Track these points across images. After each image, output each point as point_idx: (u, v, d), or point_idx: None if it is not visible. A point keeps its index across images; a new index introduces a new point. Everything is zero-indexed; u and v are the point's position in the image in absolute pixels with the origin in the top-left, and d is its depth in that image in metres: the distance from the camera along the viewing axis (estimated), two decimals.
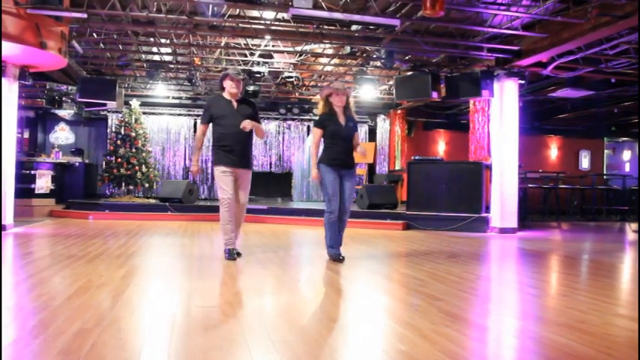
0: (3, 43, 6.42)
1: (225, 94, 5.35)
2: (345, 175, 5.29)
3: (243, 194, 5.37)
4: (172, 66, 11.27)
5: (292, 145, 15.41)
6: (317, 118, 5.48)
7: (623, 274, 5.45)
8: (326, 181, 5.20)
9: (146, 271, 4.71)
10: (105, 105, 11.63)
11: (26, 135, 14.10)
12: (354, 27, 8.25)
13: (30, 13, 6.67)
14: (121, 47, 9.87)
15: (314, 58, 10.98)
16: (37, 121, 14.67)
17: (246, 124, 5.14)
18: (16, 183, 8.01)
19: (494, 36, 8.66)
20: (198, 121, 5.68)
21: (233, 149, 5.22)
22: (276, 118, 15.20)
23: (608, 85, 11.09)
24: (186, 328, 2.80)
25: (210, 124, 5.36)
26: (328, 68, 11.54)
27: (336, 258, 5.25)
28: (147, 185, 12.72)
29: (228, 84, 5.31)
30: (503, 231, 9.00)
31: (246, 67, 10.81)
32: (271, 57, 10.56)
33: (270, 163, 15.10)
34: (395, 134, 15.02)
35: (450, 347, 2.55)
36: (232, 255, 5.24)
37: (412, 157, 11.54)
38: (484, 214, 9.25)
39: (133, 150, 12.40)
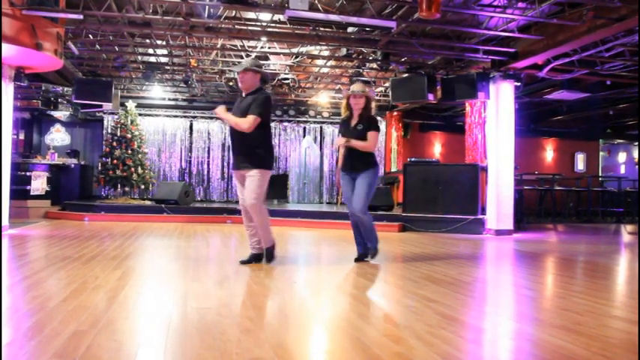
0: None
1: None
2: (356, 177, 5.23)
3: (248, 196, 4.83)
4: (168, 67, 11.27)
5: (288, 147, 15.42)
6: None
7: (619, 275, 5.47)
8: (343, 187, 5.32)
9: (142, 273, 4.69)
10: (101, 106, 11.62)
11: (21, 136, 14.06)
12: (350, 29, 8.26)
13: (25, 14, 6.65)
14: (117, 49, 9.85)
15: (310, 60, 10.99)
16: (32, 122, 14.63)
17: (218, 111, 4.92)
18: (11, 184, 7.98)
19: (490, 38, 8.69)
20: None
21: (234, 151, 4.99)
22: (272, 120, 15.18)
23: (603, 88, 11.15)
24: (182, 330, 2.79)
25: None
26: (324, 70, 11.55)
27: (356, 257, 5.42)
28: (143, 187, 12.70)
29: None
30: (499, 233, 9.02)
31: None
32: (267, 59, 10.56)
33: None
34: (391, 136, 15.03)
35: (446, 349, 2.55)
36: (246, 259, 5.09)
37: (408, 159, 11.55)
38: (480, 216, 9.26)
39: (129, 151, 12.38)
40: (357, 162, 5.21)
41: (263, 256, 5.15)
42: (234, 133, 4.90)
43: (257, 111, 4.77)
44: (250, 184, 4.83)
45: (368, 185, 5.18)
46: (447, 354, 2.47)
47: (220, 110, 4.91)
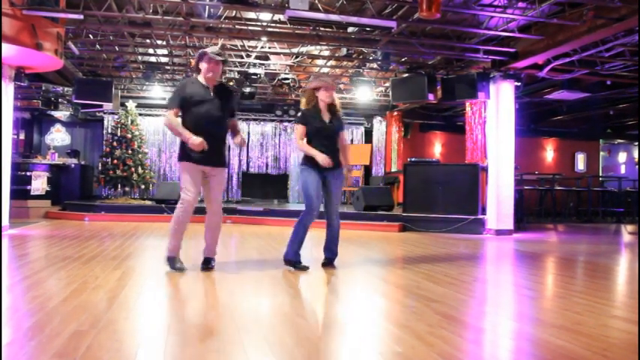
0: None
1: (201, 78, 4.48)
2: (329, 175, 4.89)
3: (218, 197, 4.68)
4: (168, 67, 11.27)
5: (288, 147, 15.41)
6: (300, 113, 5.00)
7: (619, 275, 5.47)
8: (308, 181, 4.86)
9: (142, 273, 4.69)
10: (101, 106, 11.63)
11: (22, 136, 14.06)
12: (350, 29, 8.25)
13: (26, 14, 6.65)
14: (117, 49, 9.85)
15: (310, 60, 10.99)
16: (32, 122, 14.63)
17: (241, 141, 4.74)
18: (11, 184, 7.98)
19: (490, 38, 8.68)
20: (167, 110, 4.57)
21: (212, 145, 4.38)
22: (273, 120, 15.19)
23: (603, 88, 11.14)
24: (182, 330, 2.79)
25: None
26: (325, 70, 11.54)
27: (294, 264, 4.95)
28: (143, 187, 12.70)
29: (204, 67, 4.43)
30: (499, 233, 9.02)
31: (243, 69, 10.84)
32: (267, 58, 10.56)
33: (267, 165, 15.13)
34: (391, 136, 15.03)
35: (446, 349, 2.55)
36: (174, 265, 4.55)
37: (408, 159, 11.54)
38: (480, 216, 9.25)
39: (129, 151, 12.38)
40: (334, 159, 4.89)
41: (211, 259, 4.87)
42: (214, 126, 4.47)
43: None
44: (222, 183, 4.71)
45: (342, 185, 5.11)
46: (448, 354, 2.47)
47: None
